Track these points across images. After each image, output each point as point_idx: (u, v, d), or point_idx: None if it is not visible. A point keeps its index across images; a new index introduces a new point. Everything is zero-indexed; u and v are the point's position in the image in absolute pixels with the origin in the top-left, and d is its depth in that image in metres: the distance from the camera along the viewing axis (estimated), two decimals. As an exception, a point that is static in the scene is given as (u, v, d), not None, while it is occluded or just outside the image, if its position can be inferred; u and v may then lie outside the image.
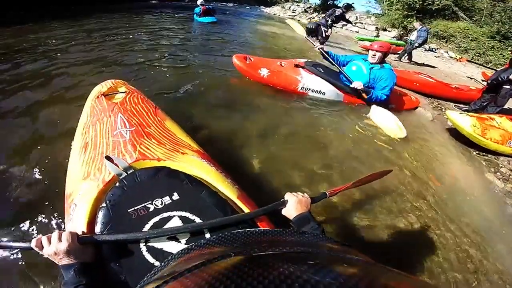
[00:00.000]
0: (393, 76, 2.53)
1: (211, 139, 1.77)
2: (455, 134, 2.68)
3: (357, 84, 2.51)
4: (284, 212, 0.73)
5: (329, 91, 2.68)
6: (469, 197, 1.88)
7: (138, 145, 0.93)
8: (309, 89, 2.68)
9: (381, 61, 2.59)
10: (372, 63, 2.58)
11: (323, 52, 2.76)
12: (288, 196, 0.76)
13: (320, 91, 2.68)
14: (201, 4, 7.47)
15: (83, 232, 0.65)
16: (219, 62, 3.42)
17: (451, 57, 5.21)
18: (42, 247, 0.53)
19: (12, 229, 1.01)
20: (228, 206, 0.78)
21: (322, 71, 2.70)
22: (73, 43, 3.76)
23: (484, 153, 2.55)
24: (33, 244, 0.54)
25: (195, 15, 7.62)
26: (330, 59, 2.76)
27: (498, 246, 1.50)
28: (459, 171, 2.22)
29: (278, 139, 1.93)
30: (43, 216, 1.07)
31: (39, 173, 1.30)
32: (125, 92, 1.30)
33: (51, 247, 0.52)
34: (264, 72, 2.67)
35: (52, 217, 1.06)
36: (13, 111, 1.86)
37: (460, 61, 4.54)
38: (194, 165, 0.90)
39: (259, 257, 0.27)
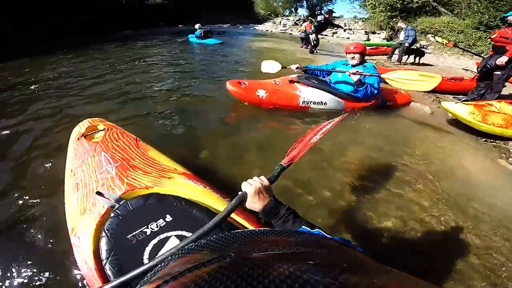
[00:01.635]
0: (377, 72, 2.57)
1: (210, 161, 1.82)
2: (457, 124, 2.69)
3: (355, 78, 2.53)
4: (248, 206, 0.64)
5: (329, 100, 2.70)
6: (484, 185, 1.82)
7: (125, 178, 0.99)
8: (310, 101, 2.68)
9: (362, 61, 2.62)
10: (353, 65, 2.62)
11: (303, 70, 2.82)
12: (244, 187, 0.64)
13: (321, 101, 2.69)
14: (199, 28, 8.00)
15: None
16: (222, 85, 3.47)
17: (437, 42, 5.24)
18: None
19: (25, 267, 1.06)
20: None
21: (317, 82, 2.73)
22: (59, 77, 3.85)
23: (491, 140, 2.52)
24: None
25: (194, 37, 8.08)
26: (313, 73, 2.85)
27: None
28: (469, 160, 2.18)
29: (278, 154, 1.94)
30: (53, 252, 1.13)
31: (39, 210, 1.35)
32: (104, 129, 1.34)
33: None
34: (261, 93, 2.61)
35: (57, 252, 1.12)
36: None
37: (448, 45, 4.66)
38: (182, 186, 0.97)
39: (259, 257, 0.27)
